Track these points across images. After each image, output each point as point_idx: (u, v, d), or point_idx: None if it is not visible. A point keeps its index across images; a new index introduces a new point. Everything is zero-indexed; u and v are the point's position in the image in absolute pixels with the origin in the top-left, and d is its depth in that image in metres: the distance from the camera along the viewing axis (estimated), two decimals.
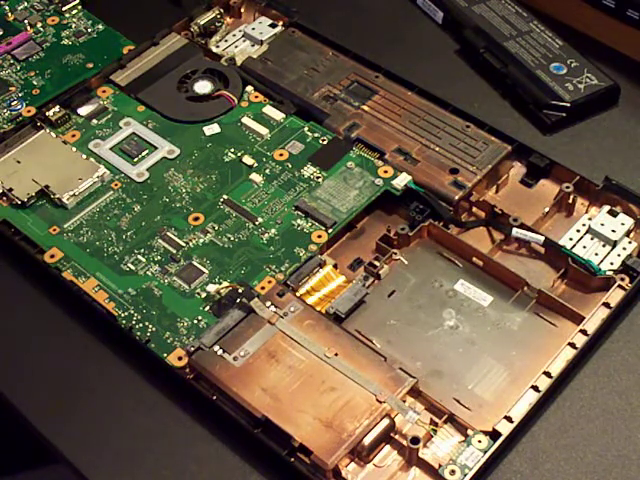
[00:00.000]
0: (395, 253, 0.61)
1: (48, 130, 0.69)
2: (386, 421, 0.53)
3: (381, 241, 0.62)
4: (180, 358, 0.56)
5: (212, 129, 0.69)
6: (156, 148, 0.68)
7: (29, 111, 0.71)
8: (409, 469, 0.53)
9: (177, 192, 0.66)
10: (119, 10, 0.81)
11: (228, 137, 0.69)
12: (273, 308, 0.57)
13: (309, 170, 0.66)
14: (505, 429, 0.52)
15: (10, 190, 0.65)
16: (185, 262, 0.62)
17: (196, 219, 0.64)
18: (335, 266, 0.61)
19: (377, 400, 0.53)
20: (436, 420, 0.54)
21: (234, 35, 0.77)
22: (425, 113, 0.69)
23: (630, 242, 0.61)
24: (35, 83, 0.73)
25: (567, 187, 0.64)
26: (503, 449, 0.53)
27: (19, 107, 0.71)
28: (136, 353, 0.58)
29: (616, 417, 0.55)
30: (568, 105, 0.70)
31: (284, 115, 0.70)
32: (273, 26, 0.76)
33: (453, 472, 0.51)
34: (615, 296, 0.58)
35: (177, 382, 0.56)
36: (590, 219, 0.63)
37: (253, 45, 0.76)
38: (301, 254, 0.61)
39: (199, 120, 0.70)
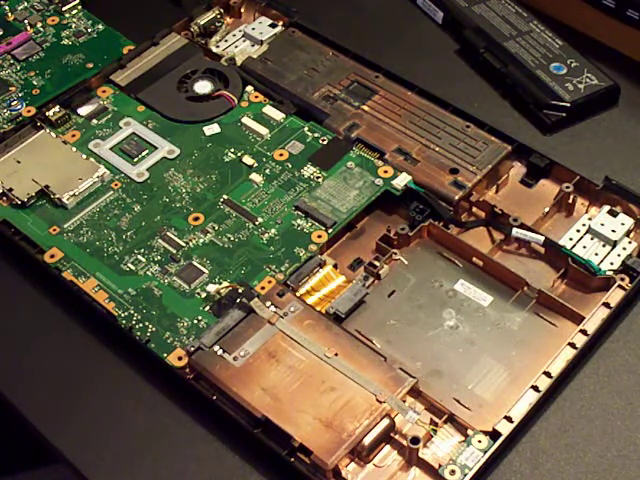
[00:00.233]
0: (395, 253, 0.61)
1: (48, 130, 0.69)
2: (386, 421, 0.53)
3: (381, 241, 0.62)
4: (180, 358, 0.56)
5: (212, 129, 0.69)
6: (156, 148, 0.68)
7: (29, 111, 0.71)
8: (409, 469, 0.53)
9: (177, 192, 0.66)
10: (119, 10, 0.81)
11: (228, 137, 0.69)
12: (273, 308, 0.57)
13: (309, 170, 0.66)
14: (505, 429, 0.52)
15: (10, 190, 0.65)
16: (185, 262, 0.62)
17: (196, 219, 0.64)
18: (335, 266, 0.61)
19: (377, 400, 0.53)
20: (436, 420, 0.54)
21: (234, 35, 0.77)
22: (425, 113, 0.69)
23: (630, 242, 0.61)
24: (35, 83, 0.73)
25: (567, 187, 0.64)
26: (503, 449, 0.53)
27: (19, 107, 0.71)
28: (136, 353, 0.58)
29: (616, 417, 0.55)
30: (568, 105, 0.70)
31: (284, 115, 0.70)
32: (273, 26, 0.76)
33: (453, 472, 0.51)
34: (615, 296, 0.58)
35: (177, 382, 0.56)
36: (590, 219, 0.63)
37: (253, 45, 0.76)
38: (301, 254, 0.61)
39: (199, 120, 0.70)
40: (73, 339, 0.60)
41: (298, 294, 0.59)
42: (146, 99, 0.71)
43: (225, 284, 0.59)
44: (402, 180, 0.64)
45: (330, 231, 0.62)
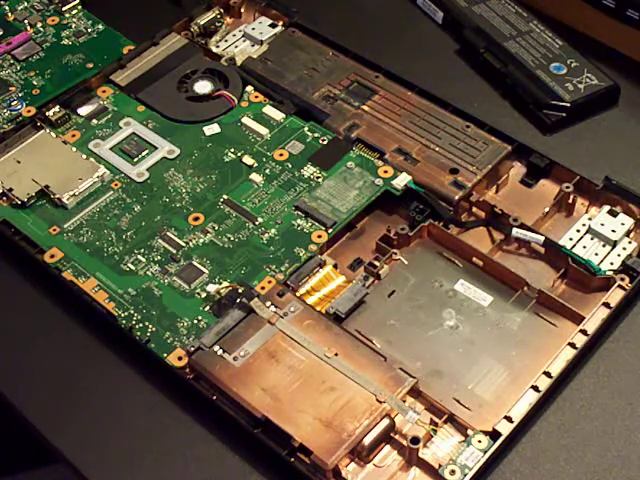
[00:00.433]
0: (395, 253, 0.61)
1: (48, 130, 0.69)
2: (386, 421, 0.53)
3: (381, 241, 0.62)
4: (180, 358, 0.56)
5: (212, 129, 0.69)
6: (156, 148, 0.68)
7: (29, 111, 0.71)
8: (409, 469, 0.53)
9: (177, 192, 0.66)
10: (119, 10, 0.81)
11: (228, 137, 0.69)
12: (273, 308, 0.57)
13: (309, 170, 0.66)
14: (505, 429, 0.52)
15: (10, 190, 0.65)
16: (185, 262, 0.62)
17: (196, 219, 0.64)
18: (335, 266, 0.61)
19: (377, 400, 0.53)
20: (436, 420, 0.54)
21: (234, 35, 0.77)
22: (425, 113, 0.69)
23: (630, 242, 0.61)
24: (35, 83, 0.73)
25: (567, 187, 0.64)
26: (503, 449, 0.53)
27: (19, 107, 0.71)
28: (136, 353, 0.58)
29: (616, 417, 0.55)
30: (568, 105, 0.70)
31: (284, 115, 0.70)
32: (273, 26, 0.76)
33: (453, 472, 0.51)
34: (615, 296, 0.58)
35: (177, 382, 0.56)
36: (590, 219, 0.63)
37: (253, 45, 0.76)
38: (301, 254, 0.61)
39: (199, 120, 0.70)
40: (73, 339, 0.60)
41: (298, 294, 0.59)
42: (146, 99, 0.71)
43: (225, 284, 0.59)
44: (402, 180, 0.64)
45: (330, 231, 0.62)
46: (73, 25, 0.78)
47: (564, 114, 0.70)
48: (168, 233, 0.63)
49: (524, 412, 0.53)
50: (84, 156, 0.67)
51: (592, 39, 0.77)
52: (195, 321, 0.58)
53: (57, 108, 0.69)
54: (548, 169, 0.66)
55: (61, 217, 0.64)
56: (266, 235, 0.63)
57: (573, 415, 0.55)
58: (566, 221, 0.64)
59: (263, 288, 0.59)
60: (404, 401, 0.54)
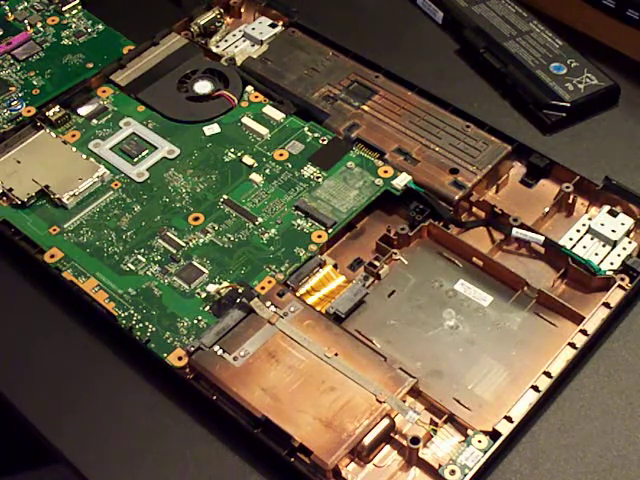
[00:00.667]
0: (395, 253, 0.61)
1: (48, 130, 0.69)
2: (386, 421, 0.53)
3: (381, 241, 0.62)
4: (180, 358, 0.56)
5: (212, 129, 0.69)
6: (156, 148, 0.68)
7: (29, 111, 0.71)
8: (409, 469, 0.53)
9: (177, 192, 0.66)
10: (119, 10, 0.81)
11: (228, 137, 0.69)
12: (273, 308, 0.57)
13: (309, 170, 0.66)
14: (505, 429, 0.52)
15: (10, 190, 0.65)
16: (185, 262, 0.62)
17: (196, 219, 0.64)
18: (335, 266, 0.61)
19: (377, 400, 0.53)
20: (436, 420, 0.54)
21: (234, 35, 0.77)
22: (425, 113, 0.69)
23: (630, 242, 0.61)
24: (35, 83, 0.73)
25: (567, 187, 0.64)
26: (503, 449, 0.53)
27: (19, 107, 0.71)
28: (136, 353, 0.58)
29: (616, 417, 0.55)
30: (568, 105, 0.70)
31: (284, 115, 0.70)
32: (273, 26, 0.76)
33: (453, 472, 0.51)
34: (615, 296, 0.58)
35: (177, 382, 0.56)
36: (590, 219, 0.63)
37: (253, 45, 0.76)
38: (301, 254, 0.61)
39: (199, 120, 0.70)
40: (73, 339, 0.60)
41: (298, 294, 0.59)
42: (146, 99, 0.71)
43: (225, 284, 0.59)
44: (402, 180, 0.64)
45: (330, 231, 0.62)
46: (73, 25, 0.78)
47: (564, 114, 0.70)
48: (168, 233, 0.63)
49: (524, 412, 0.53)
50: (84, 156, 0.67)
51: (592, 39, 0.77)
52: (195, 321, 0.58)
53: (57, 108, 0.69)
54: (548, 169, 0.66)
55: (61, 217, 0.64)
56: (266, 235, 0.63)
57: (573, 415, 0.55)
58: (566, 221, 0.64)
59: (263, 288, 0.59)
60: (404, 401, 0.54)
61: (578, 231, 0.62)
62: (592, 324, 0.57)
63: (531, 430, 0.55)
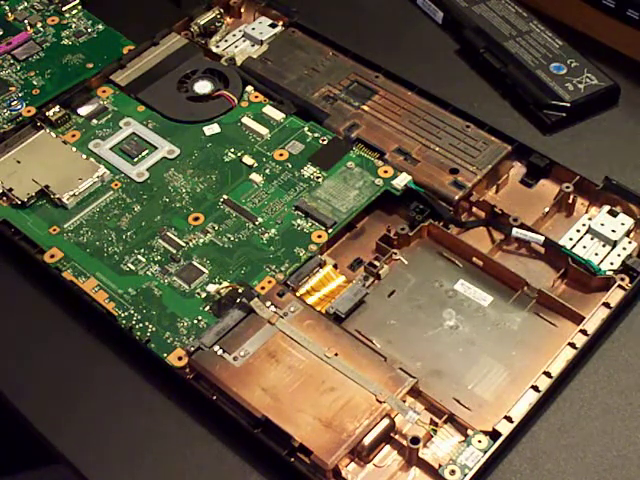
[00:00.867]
0: (395, 253, 0.61)
1: (48, 130, 0.69)
2: (386, 421, 0.53)
3: (381, 241, 0.62)
4: (180, 358, 0.56)
5: (212, 129, 0.69)
6: (156, 148, 0.68)
7: (29, 111, 0.71)
8: (409, 469, 0.53)
9: (177, 192, 0.66)
10: (119, 10, 0.81)
11: (228, 137, 0.69)
12: (273, 308, 0.57)
13: (309, 170, 0.66)
14: (505, 429, 0.52)
15: (10, 190, 0.65)
16: (185, 262, 0.62)
17: (196, 219, 0.64)
18: (335, 266, 0.61)
19: (377, 400, 0.53)
20: (436, 420, 0.54)
21: (234, 35, 0.77)
22: (425, 113, 0.69)
23: (630, 242, 0.61)
24: (35, 83, 0.73)
25: (567, 187, 0.64)
26: (503, 449, 0.53)
27: (19, 107, 0.71)
28: (136, 353, 0.58)
29: (616, 417, 0.55)
30: (568, 105, 0.70)
31: (284, 115, 0.70)
32: (273, 26, 0.76)
33: (453, 472, 0.51)
34: (615, 296, 0.58)
35: (177, 382, 0.56)
36: (590, 219, 0.63)
37: (253, 45, 0.76)
38: (301, 254, 0.61)
39: (199, 120, 0.70)
40: (73, 339, 0.60)
41: (298, 294, 0.59)
42: (146, 99, 0.71)
43: (225, 284, 0.59)
44: (402, 180, 0.64)
45: (330, 231, 0.62)
46: (73, 25, 0.78)
47: (564, 114, 0.70)
48: (168, 233, 0.63)
49: (524, 412, 0.53)
50: (84, 156, 0.67)
51: (592, 39, 0.77)
52: (195, 321, 0.58)
53: (57, 108, 0.69)
54: (548, 169, 0.66)
55: (61, 217, 0.64)
56: (266, 235, 0.63)
57: (573, 415, 0.55)
58: (566, 221, 0.64)
59: (263, 288, 0.59)
60: (404, 401, 0.54)
61: (578, 231, 0.62)
62: (592, 324, 0.57)
63: (531, 430, 0.55)
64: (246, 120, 0.70)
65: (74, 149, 0.68)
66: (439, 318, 0.59)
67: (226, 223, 0.64)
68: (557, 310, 0.59)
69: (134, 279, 0.61)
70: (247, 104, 0.71)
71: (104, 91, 0.72)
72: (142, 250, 0.62)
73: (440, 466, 0.51)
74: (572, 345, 0.56)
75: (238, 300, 0.58)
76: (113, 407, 0.57)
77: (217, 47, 0.76)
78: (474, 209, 0.65)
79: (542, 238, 0.61)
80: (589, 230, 0.62)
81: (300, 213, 0.64)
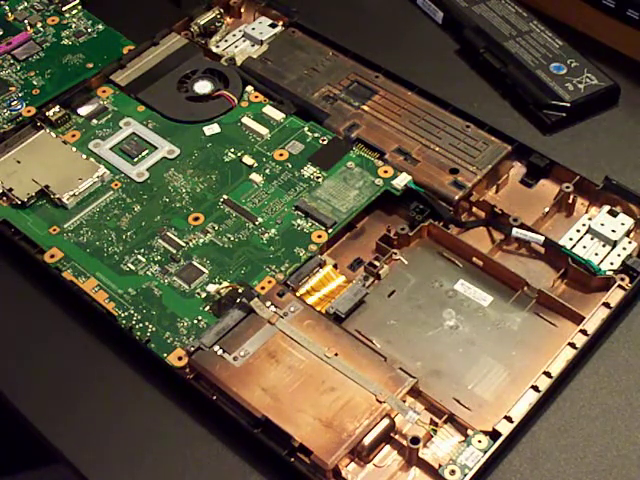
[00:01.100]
0: (395, 253, 0.61)
1: (48, 130, 0.69)
2: (386, 421, 0.53)
3: (381, 241, 0.62)
4: (180, 358, 0.56)
5: (212, 129, 0.69)
6: (156, 148, 0.68)
7: (29, 111, 0.71)
8: (409, 469, 0.53)
9: (177, 192, 0.66)
10: (119, 10, 0.81)
11: (228, 137, 0.69)
12: (273, 308, 0.57)
13: (309, 170, 0.66)
14: (505, 429, 0.52)
15: (10, 190, 0.65)
16: (185, 262, 0.62)
17: (196, 219, 0.64)
18: (335, 266, 0.61)
19: (377, 400, 0.53)
20: (436, 420, 0.54)
21: (234, 35, 0.77)
22: (425, 113, 0.69)
23: (630, 242, 0.61)
24: (35, 83, 0.73)
25: (567, 187, 0.64)
26: (503, 449, 0.53)
27: (19, 107, 0.71)
28: (136, 353, 0.58)
29: (616, 417, 0.55)
30: (568, 105, 0.70)
31: (284, 115, 0.70)
32: (273, 26, 0.76)
33: (453, 472, 0.51)
34: (615, 296, 0.58)
35: (177, 382, 0.56)
36: (590, 219, 0.63)
37: (253, 45, 0.76)
38: (301, 254, 0.61)
39: (199, 120, 0.70)
40: (73, 339, 0.60)
41: (298, 294, 0.59)
42: (146, 99, 0.71)
43: (225, 284, 0.59)
44: (402, 180, 0.64)
45: (330, 231, 0.62)
46: (73, 25, 0.78)
47: (564, 114, 0.70)
48: (168, 233, 0.63)
49: (524, 412, 0.53)
50: (84, 156, 0.67)
51: (592, 39, 0.77)
52: (195, 321, 0.58)
53: (57, 108, 0.69)
54: (548, 169, 0.66)
55: (61, 217, 0.64)
56: (266, 235, 0.63)
57: (573, 415, 0.55)
58: (566, 221, 0.64)
59: (263, 288, 0.59)
60: (404, 401, 0.54)
61: (578, 231, 0.62)
62: (592, 324, 0.57)
63: (531, 430, 0.55)
64: (246, 120, 0.70)
65: (74, 149, 0.68)
66: (439, 318, 0.59)
67: (226, 223, 0.64)
68: (557, 310, 0.59)
69: (134, 279, 0.61)
70: (247, 104, 0.71)
71: (104, 91, 0.72)
72: (142, 250, 0.62)
73: (440, 466, 0.51)
74: (572, 345, 0.56)
75: (238, 300, 0.58)
76: (113, 407, 0.57)
77: (217, 47, 0.76)
78: (474, 209, 0.65)
79: (542, 238, 0.61)
80: (589, 230, 0.62)
81: (300, 213, 0.64)
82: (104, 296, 0.60)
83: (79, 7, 0.79)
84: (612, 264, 0.60)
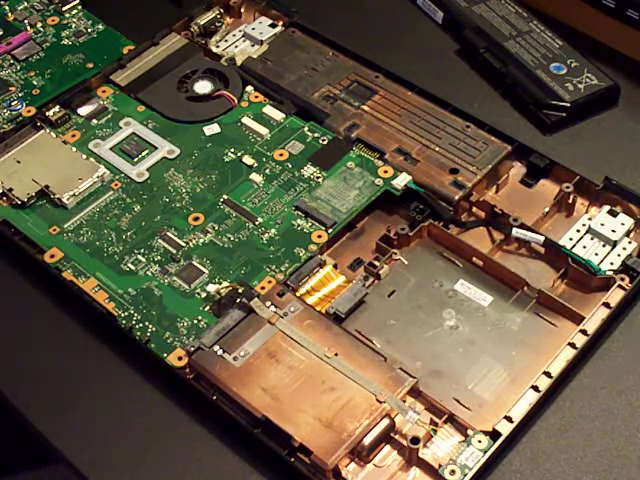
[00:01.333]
0: (395, 253, 0.61)
1: (48, 130, 0.69)
2: (386, 421, 0.53)
3: (381, 241, 0.62)
4: (180, 358, 0.56)
5: (212, 129, 0.69)
6: (156, 148, 0.68)
7: (29, 111, 0.71)
8: (409, 469, 0.53)
9: (177, 192, 0.66)
10: (119, 10, 0.81)
11: (228, 137, 0.69)
12: (273, 308, 0.57)
13: (309, 170, 0.66)
14: (505, 429, 0.52)
15: (10, 190, 0.65)
16: (185, 262, 0.62)
17: (196, 219, 0.64)
18: (335, 266, 0.61)
19: (377, 400, 0.53)
20: (436, 420, 0.54)
21: (234, 35, 0.77)
22: (425, 113, 0.69)
23: (630, 242, 0.61)
24: (35, 83, 0.73)
25: (567, 187, 0.64)
26: (503, 449, 0.53)
27: (19, 107, 0.71)
28: (136, 353, 0.58)
29: (616, 417, 0.55)
30: (568, 105, 0.70)
31: (284, 115, 0.70)
32: (273, 26, 0.76)
33: (453, 472, 0.51)
34: (615, 296, 0.58)
35: (177, 382, 0.56)
36: (590, 219, 0.63)
37: (253, 45, 0.76)
38: (301, 254, 0.61)
39: (199, 120, 0.70)
40: (73, 339, 0.60)
41: (298, 294, 0.59)
42: (146, 99, 0.71)
43: (225, 284, 0.59)
44: (402, 180, 0.64)
45: (330, 231, 0.62)
46: (73, 25, 0.78)
47: (564, 114, 0.70)
48: (168, 233, 0.63)
49: (524, 412, 0.53)
50: (84, 156, 0.67)
51: (592, 39, 0.77)
52: (195, 321, 0.58)
53: (57, 108, 0.69)
54: (548, 169, 0.66)
55: (61, 217, 0.64)
56: (266, 235, 0.63)
57: (573, 415, 0.55)
58: (566, 221, 0.64)
59: (263, 288, 0.59)
60: (404, 401, 0.54)
61: (578, 231, 0.62)
62: (592, 324, 0.57)
63: (531, 430, 0.55)
64: (246, 120, 0.70)
65: (74, 149, 0.68)
66: (439, 318, 0.59)
67: (226, 223, 0.64)
68: (557, 310, 0.59)
69: (134, 279, 0.61)
70: (247, 104, 0.71)
71: (104, 91, 0.72)
72: (142, 250, 0.62)
73: (440, 466, 0.51)
74: (572, 345, 0.56)
75: (238, 300, 0.58)
76: (113, 407, 0.57)
77: (217, 47, 0.76)
78: (474, 209, 0.65)
79: (542, 238, 0.61)
80: (589, 230, 0.62)
81: (300, 213, 0.64)
82: (104, 296, 0.60)
83: (79, 7, 0.79)
84: (612, 264, 0.60)
